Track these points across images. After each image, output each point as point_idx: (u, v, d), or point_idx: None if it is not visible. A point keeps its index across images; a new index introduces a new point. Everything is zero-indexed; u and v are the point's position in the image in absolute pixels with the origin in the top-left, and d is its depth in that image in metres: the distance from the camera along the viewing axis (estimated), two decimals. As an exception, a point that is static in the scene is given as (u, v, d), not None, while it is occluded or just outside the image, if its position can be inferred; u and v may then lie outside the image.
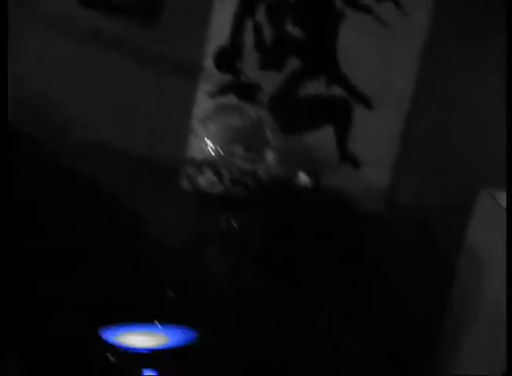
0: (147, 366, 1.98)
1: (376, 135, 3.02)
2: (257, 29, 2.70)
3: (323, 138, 2.84)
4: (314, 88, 2.84)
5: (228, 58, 2.73)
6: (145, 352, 1.95)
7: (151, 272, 2.65)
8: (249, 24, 2.69)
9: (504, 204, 3.06)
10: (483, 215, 3.22)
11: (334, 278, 2.80)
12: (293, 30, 2.71)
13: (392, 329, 2.99)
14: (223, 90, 2.73)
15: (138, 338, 1.99)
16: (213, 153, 2.30)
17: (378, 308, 3.01)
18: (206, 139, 2.39)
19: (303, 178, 2.71)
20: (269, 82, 2.80)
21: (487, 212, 3.19)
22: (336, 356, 2.71)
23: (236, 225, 2.62)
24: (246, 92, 2.74)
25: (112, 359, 1.93)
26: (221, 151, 2.29)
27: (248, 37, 2.74)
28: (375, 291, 3.00)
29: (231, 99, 2.74)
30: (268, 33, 2.71)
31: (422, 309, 3.12)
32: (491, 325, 3.01)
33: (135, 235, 2.79)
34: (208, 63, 2.77)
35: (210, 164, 2.33)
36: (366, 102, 2.88)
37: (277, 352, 2.55)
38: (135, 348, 1.94)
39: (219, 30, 2.75)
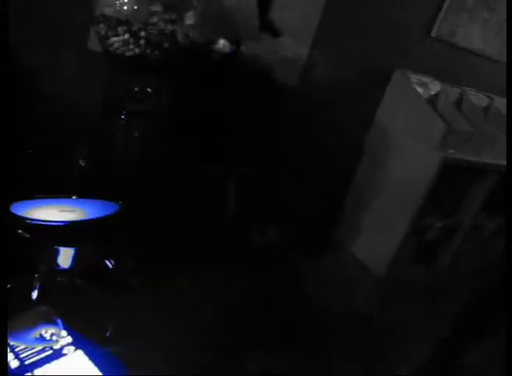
0: (64, 242, 1.92)
1: (298, 6, 2.89)
2: None
3: (245, 3, 2.64)
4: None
5: None
6: (61, 225, 1.86)
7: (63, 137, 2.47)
8: None
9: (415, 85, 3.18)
10: (395, 94, 3.30)
11: (244, 144, 2.80)
12: None
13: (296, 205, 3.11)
14: None
15: (53, 212, 1.89)
16: (128, 11, 2.05)
17: (283, 184, 3.09)
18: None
19: (222, 43, 2.55)
20: None
21: (399, 91, 3.27)
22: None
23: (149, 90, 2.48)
24: None
25: (25, 235, 1.84)
26: (138, 9, 2.04)
27: None
28: (283, 165, 3.05)
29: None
30: None
31: (328, 186, 3.26)
32: (394, 200, 3.24)
33: (40, 96, 2.54)
34: None
35: (125, 23, 2.08)
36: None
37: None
38: (50, 222, 1.85)
39: None
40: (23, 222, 1.84)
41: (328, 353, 2.23)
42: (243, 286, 2.50)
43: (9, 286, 2.03)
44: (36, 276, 2.02)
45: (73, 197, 1.99)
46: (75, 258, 1.97)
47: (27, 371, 1.50)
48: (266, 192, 2.93)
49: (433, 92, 3.27)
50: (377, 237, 3.33)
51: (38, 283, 2.01)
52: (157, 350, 1.90)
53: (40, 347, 1.60)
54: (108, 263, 2.14)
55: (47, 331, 1.64)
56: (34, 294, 2.01)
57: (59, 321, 1.61)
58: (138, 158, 2.56)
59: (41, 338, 1.60)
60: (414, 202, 3.07)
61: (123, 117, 2.44)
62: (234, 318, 2.27)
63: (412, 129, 3.09)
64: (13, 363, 1.54)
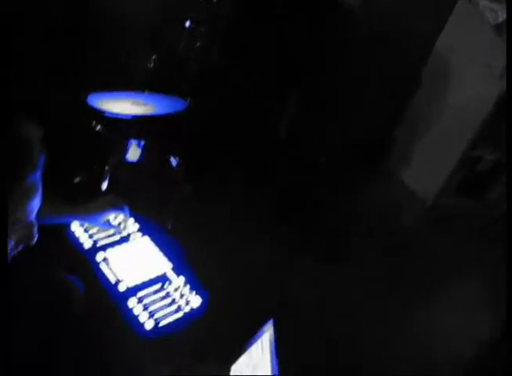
0: (133, 135, 1.99)
1: None
2: None
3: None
4: None
5: None
6: (131, 118, 1.91)
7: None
8: None
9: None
10: (460, 19, 3.06)
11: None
12: None
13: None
14: None
15: (125, 106, 1.94)
16: None
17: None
18: None
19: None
20: None
21: (465, 16, 3.02)
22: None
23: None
24: None
25: (98, 128, 1.91)
26: None
27: None
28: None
29: None
30: None
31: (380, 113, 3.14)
32: (448, 130, 3.12)
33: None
34: None
35: None
36: None
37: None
38: (121, 115, 1.90)
39: None
40: (96, 113, 1.90)
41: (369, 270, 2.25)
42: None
43: (78, 179, 2.16)
44: (106, 167, 2.12)
45: (145, 92, 2.01)
46: (143, 151, 2.05)
47: (99, 251, 1.62)
48: (319, 121, 2.87)
49: (501, 19, 3.00)
50: (427, 166, 3.26)
51: (108, 175, 2.12)
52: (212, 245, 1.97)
53: (110, 231, 1.71)
54: (172, 160, 2.21)
55: (116, 218, 1.75)
56: (104, 185, 2.12)
57: (127, 209, 1.71)
58: (199, 65, 2.53)
59: (111, 224, 1.72)
60: (468, 133, 2.96)
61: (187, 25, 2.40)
62: (272, 225, 2.27)
63: (475, 58, 2.89)
64: (87, 244, 1.67)
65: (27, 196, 0.86)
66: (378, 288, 2.01)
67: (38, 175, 0.87)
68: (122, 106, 1.93)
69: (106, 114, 1.89)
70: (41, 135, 0.87)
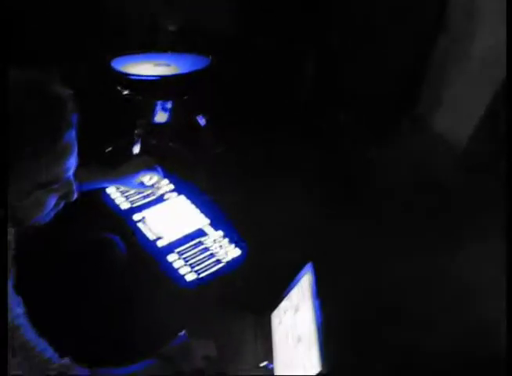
0: (159, 96, 2.00)
1: None
2: None
3: None
4: None
5: None
6: (156, 79, 1.91)
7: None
8: None
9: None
10: None
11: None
12: None
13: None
14: None
15: (149, 67, 1.94)
16: None
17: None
18: None
19: None
20: None
21: None
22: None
23: None
24: None
25: (124, 92, 1.92)
26: None
27: None
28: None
29: None
30: None
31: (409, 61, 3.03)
32: (478, 75, 3.00)
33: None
34: None
35: None
36: None
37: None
38: (146, 76, 1.91)
39: None
40: (122, 77, 1.91)
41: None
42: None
43: (109, 149, 2.19)
44: (136, 131, 2.15)
45: (168, 52, 2.01)
46: (170, 112, 2.06)
47: (136, 212, 1.66)
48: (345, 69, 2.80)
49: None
50: (458, 112, 3.17)
51: (138, 138, 2.14)
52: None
53: (145, 192, 1.75)
54: (200, 120, 2.22)
55: (150, 179, 1.78)
56: (136, 149, 2.15)
57: (160, 169, 1.74)
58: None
59: (145, 185, 1.75)
60: (499, 78, 2.85)
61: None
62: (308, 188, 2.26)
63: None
64: (124, 205, 1.71)
65: (64, 154, 0.89)
66: (415, 239, 1.99)
67: (73, 134, 0.90)
68: (146, 68, 1.94)
69: (132, 78, 1.91)
70: (72, 94, 0.89)
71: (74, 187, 0.96)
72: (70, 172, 0.93)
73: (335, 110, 2.84)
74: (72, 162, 0.92)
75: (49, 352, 0.85)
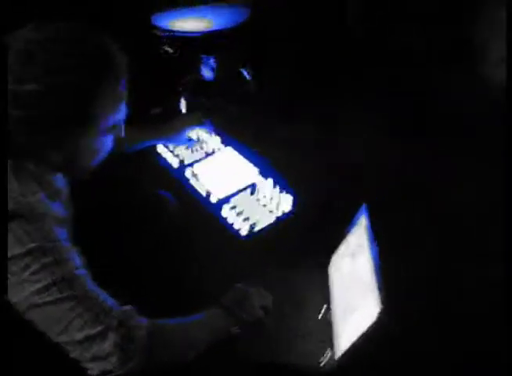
0: (204, 51, 1.97)
1: None
2: None
3: None
4: None
5: None
6: (199, 35, 1.88)
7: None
8: None
9: None
10: None
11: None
12: None
13: None
14: None
15: (191, 23, 1.91)
16: None
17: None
18: None
19: None
20: None
21: None
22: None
23: None
24: None
25: (170, 50, 1.90)
26: None
27: None
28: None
29: None
30: None
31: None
32: None
33: None
34: None
35: None
36: None
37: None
38: (189, 33, 1.88)
39: None
40: (164, 35, 1.90)
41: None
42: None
43: (157, 109, 2.19)
44: (181, 89, 2.14)
45: (209, 6, 1.97)
46: (215, 67, 2.03)
47: (187, 168, 1.67)
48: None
49: None
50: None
51: (184, 96, 2.13)
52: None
53: (194, 148, 1.75)
54: (245, 73, 2.17)
55: (198, 134, 1.77)
56: (182, 106, 2.14)
57: (208, 124, 1.73)
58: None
59: (194, 141, 1.75)
60: None
61: None
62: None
63: None
64: (174, 163, 1.72)
65: (115, 102, 0.94)
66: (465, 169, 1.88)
67: (124, 82, 0.94)
68: (189, 23, 1.91)
69: (176, 34, 1.88)
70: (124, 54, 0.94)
71: (123, 129, 1.03)
72: (120, 122, 0.99)
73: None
74: (121, 113, 0.98)
75: (110, 301, 0.86)
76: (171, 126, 1.66)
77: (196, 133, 1.75)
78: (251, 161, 1.65)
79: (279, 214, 1.45)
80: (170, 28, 1.87)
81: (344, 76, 2.36)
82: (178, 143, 1.72)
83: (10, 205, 0.82)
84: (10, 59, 0.82)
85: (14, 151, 0.87)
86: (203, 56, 1.98)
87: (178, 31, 1.87)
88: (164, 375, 0.99)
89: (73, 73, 0.84)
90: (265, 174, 1.57)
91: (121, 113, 0.97)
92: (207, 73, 2.04)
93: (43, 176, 0.92)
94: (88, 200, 1.17)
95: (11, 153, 0.86)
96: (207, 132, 1.75)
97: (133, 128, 1.12)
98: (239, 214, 1.45)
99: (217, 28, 1.87)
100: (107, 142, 0.99)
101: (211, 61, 2.00)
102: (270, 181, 1.50)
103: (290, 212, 1.46)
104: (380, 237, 1.10)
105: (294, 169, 1.61)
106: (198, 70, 2.04)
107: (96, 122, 0.91)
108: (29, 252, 0.81)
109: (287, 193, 1.46)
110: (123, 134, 1.03)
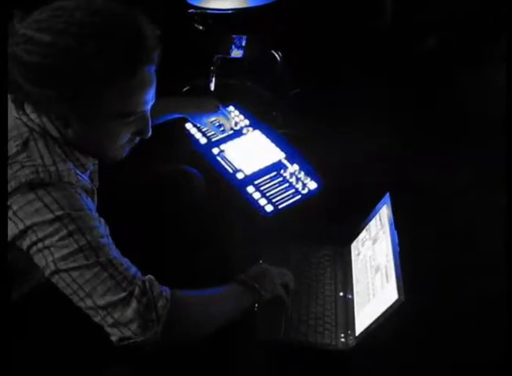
0: (234, 30, 1.95)
1: None
2: None
3: None
4: None
5: None
6: (231, 13, 1.86)
7: None
8: None
9: None
10: None
11: None
12: None
13: None
14: None
15: (224, 2, 1.90)
16: None
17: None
18: None
19: None
20: None
21: None
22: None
23: None
24: None
25: (201, 27, 1.90)
26: None
27: None
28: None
29: None
30: None
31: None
32: None
33: None
34: None
35: None
36: None
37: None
38: (221, 11, 1.87)
39: None
40: (198, 12, 1.89)
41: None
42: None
43: (187, 88, 2.19)
44: (212, 68, 2.14)
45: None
46: (246, 47, 2.02)
47: (214, 146, 1.68)
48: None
49: None
50: None
51: (215, 74, 2.13)
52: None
53: (223, 127, 1.75)
54: (276, 55, 2.16)
55: (227, 115, 1.77)
56: (212, 86, 2.15)
57: (237, 106, 1.73)
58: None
59: (223, 121, 1.74)
60: None
61: None
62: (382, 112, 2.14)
63: None
64: (202, 140, 1.73)
65: (142, 87, 0.88)
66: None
67: (153, 69, 0.89)
68: (221, 1, 1.90)
69: (207, 12, 1.88)
70: (158, 32, 0.88)
71: (150, 124, 0.97)
72: (147, 107, 0.93)
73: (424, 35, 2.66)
74: (149, 97, 0.92)
75: (134, 270, 0.88)
76: (201, 104, 1.65)
77: (225, 114, 1.74)
78: (278, 145, 1.66)
79: (304, 194, 1.46)
80: (202, 6, 1.87)
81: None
82: (206, 120, 1.71)
83: (40, 174, 0.84)
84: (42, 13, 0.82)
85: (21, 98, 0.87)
86: (234, 34, 1.97)
87: (210, 9, 1.86)
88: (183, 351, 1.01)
89: (106, 41, 0.81)
90: (291, 158, 1.59)
91: (142, 101, 0.90)
92: (237, 54, 2.03)
93: (70, 150, 0.93)
94: (114, 174, 1.17)
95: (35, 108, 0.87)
96: (235, 113, 1.75)
97: (160, 100, 1.03)
98: (264, 192, 1.46)
99: (250, 6, 1.85)
100: (118, 132, 0.93)
101: (242, 40, 1.99)
102: (296, 166, 1.52)
103: (315, 191, 1.47)
104: (400, 225, 1.10)
105: (321, 156, 1.62)
106: (229, 49, 2.03)
107: (104, 103, 0.86)
108: (58, 218, 0.83)
109: (312, 179, 1.47)
110: (148, 132, 0.97)
